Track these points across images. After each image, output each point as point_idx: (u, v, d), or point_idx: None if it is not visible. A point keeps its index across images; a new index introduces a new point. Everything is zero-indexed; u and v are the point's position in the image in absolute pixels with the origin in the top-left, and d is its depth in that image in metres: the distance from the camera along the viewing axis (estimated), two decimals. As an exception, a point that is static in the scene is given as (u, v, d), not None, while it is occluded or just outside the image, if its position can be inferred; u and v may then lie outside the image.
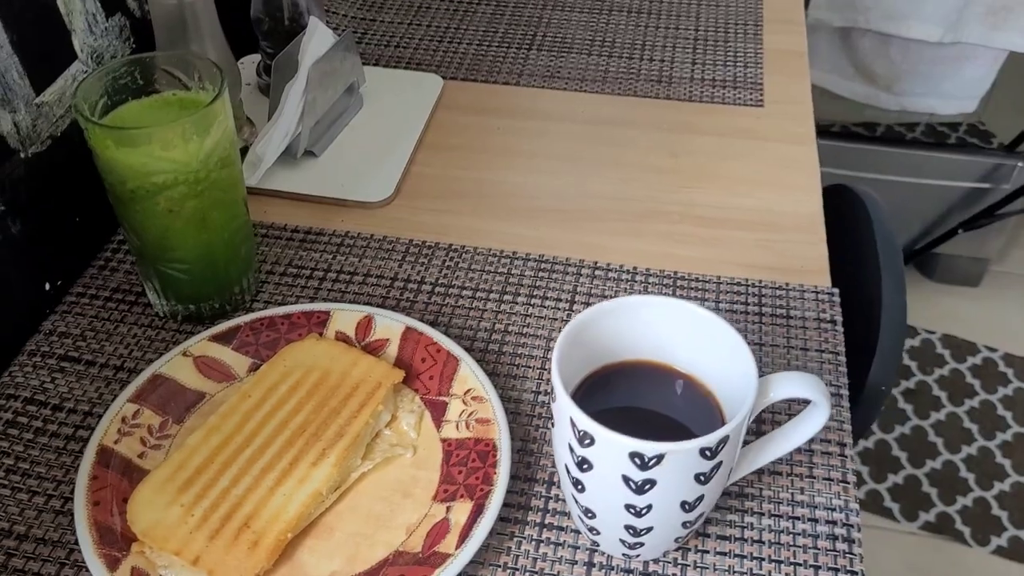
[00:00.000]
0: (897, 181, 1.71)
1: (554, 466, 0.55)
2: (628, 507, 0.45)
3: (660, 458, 0.42)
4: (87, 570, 0.49)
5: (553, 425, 0.47)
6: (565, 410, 0.44)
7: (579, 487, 0.46)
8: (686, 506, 0.45)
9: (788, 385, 0.46)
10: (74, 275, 0.65)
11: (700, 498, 0.45)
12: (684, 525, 0.47)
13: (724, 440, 0.43)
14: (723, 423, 0.47)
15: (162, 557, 0.48)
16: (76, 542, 0.50)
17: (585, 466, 0.45)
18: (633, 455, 0.42)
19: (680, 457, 0.42)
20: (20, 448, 0.55)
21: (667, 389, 0.50)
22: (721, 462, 0.44)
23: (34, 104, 0.60)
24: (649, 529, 0.46)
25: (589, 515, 0.48)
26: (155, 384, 0.56)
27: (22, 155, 0.59)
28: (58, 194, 0.63)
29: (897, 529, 1.47)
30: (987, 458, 1.55)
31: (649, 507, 0.45)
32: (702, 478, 0.44)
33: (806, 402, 0.48)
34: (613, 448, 0.43)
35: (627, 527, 0.47)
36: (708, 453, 0.43)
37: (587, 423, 0.43)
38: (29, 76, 0.59)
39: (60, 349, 0.60)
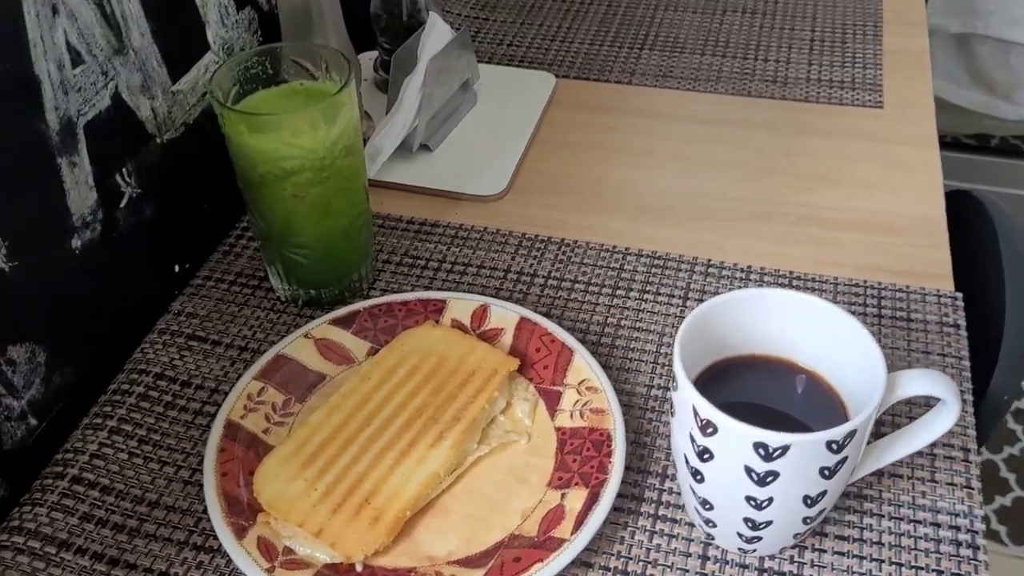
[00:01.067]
0: (1014, 194, 1.65)
1: (668, 459, 0.54)
2: (749, 499, 0.45)
3: (785, 449, 0.42)
4: (215, 537, 0.50)
5: (673, 414, 0.46)
6: (688, 398, 0.44)
7: (698, 477, 0.46)
8: (808, 501, 0.45)
9: (917, 382, 0.45)
10: (201, 259, 0.68)
11: (823, 493, 0.45)
12: (805, 521, 0.46)
13: (851, 434, 0.42)
14: (846, 420, 0.46)
15: (286, 528, 0.49)
16: (204, 511, 0.52)
17: (706, 456, 0.44)
18: (757, 445, 0.42)
19: (806, 449, 0.42)
20: (151, 420, 0.57)
21: (788, 384, 0.49)
22: (846, 457, 0.43)
23: (170, 92, 0.63)
24: (769, 523, 0.46)
25: (707, 507, 0.47)
26: (278, 364, 0.57)
27: (158, 140, 0.62)
28: (189, 180, 0.66)
29: (1005, 553, 1.41)
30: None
31: (770, 500, 0.44)
32: (827, 472, 0.43)
33: (926, 404, 0.47)
34: (736, 437, 0.42)
35: (746, 520, 0.46)
36: (834, 447, 0.42)
37: (710, 411, 0.42)
38: (167, 65, 0.62)
39: (188, 328, 0.63)
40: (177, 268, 0.66)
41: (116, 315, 0.61)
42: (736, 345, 0.49)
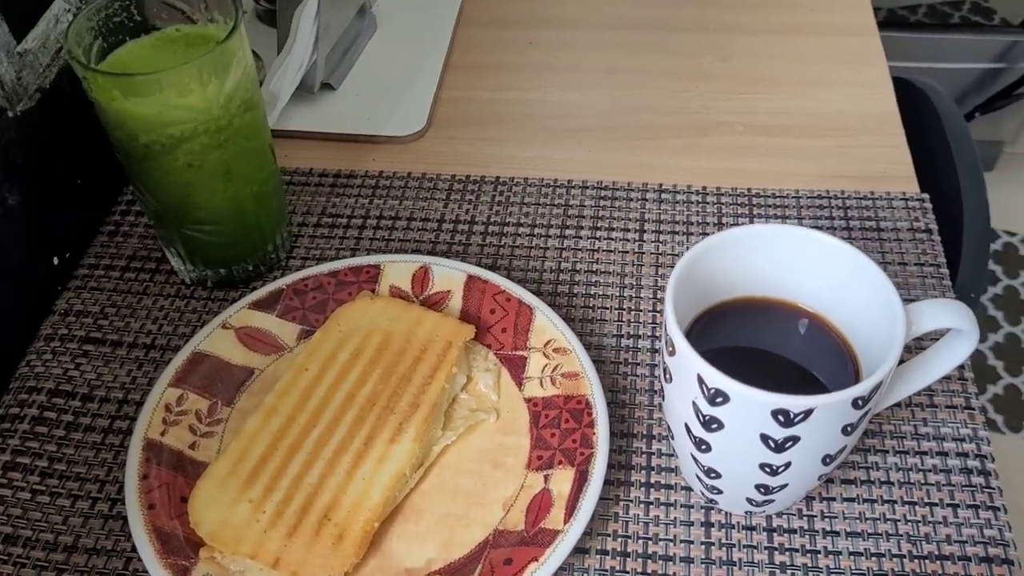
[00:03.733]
0: (907, 67, 1.64)
1: (651, 417, 0.49)
2: (764, 466, 0.40)
3: (808, 413, 0.36)
4: (150, 581, 0.43)
5: (669, 380, 0.41)
6: (691, 366, 0.38)
7: (703, 447, 0.41)
8: (827, 459, 0.40)
9: (935, 317, 0.40)
10: (83, 245, 0.58)
11: (843, 449, 0.40)
12: (819, 478, 0.42)
13: (878, 387, 0.37)
14: (854, 364, 0.42)
15: (236, 561, 0.42)
16: (132, 549, 0.44)
17: (714, 426, 0.39)
18: (777, 412, 0.37)
19: (831, 410, 0.37)
20: (52, 447, 0.49)
21: (789, 328, 0.44)
22: (870, 409, 0.38)
23: (16, 53, 0.52)
24: (783, 487, 0.41)
25: (712, 475, 0.42)
26: (196, 363, 0.49)
27: (10, 114, 0.52)
28: (55, 156, 0.56)
29: (1004, 442, 1.38)
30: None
31: (787, 464, 0.39)
32: (849, 429, 0.39)
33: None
34: (753, 406, 0.37)
35: (758, 486, 0.41)
36: (860, 402, 0.37)
37: (720, 380, 0.37)
38: (7, 21, 0.51)
39: (80, 330, 0.54)
40: (56, 260, 0.56)
41: (-9, 325, 0.52)
42: (729, 288, 0.44)
